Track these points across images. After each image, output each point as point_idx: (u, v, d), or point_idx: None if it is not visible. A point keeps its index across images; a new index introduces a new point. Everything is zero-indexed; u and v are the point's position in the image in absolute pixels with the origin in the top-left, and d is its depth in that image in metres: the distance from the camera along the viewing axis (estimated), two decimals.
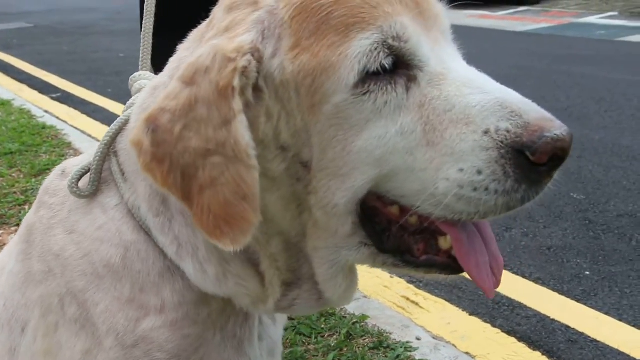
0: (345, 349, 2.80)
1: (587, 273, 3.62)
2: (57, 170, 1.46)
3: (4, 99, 7.24)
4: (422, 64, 1.14)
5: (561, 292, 3.44)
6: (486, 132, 1.08)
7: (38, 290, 1.35)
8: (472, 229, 1.23)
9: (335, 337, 2.89)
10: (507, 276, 3.57)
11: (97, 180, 1.34)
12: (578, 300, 3.36)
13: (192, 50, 1.26)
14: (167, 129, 1.12)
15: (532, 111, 1.10)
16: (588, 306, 3.30)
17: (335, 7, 1.11)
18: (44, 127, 6.04)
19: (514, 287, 3.46)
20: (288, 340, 2.84)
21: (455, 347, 2.90)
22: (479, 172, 1.09)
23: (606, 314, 3.23)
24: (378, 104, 1.12)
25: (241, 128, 1.10)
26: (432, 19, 1.20)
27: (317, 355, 2.76)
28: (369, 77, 1.11)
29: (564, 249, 3.90)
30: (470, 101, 1.11)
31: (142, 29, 1.55)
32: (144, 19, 1.55)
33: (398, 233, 1.23)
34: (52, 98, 7.62)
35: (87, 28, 13.76)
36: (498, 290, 3.34)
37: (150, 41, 1.56)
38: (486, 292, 1.21)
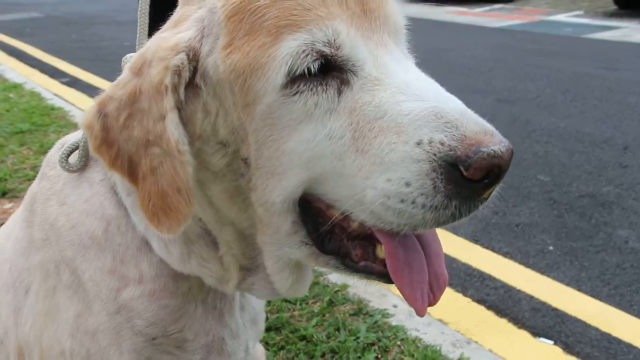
0: (327, 315, 2.79)
1: (551, 248, 3.63)
2: (58, 144, 1.44)
3: (16, 82, 7.16)
4: (357, 68, 1.03)
5: (527, 265, 3.44)
6: (419, 143, 0.96)
7: (38, 256, 1.34)
8: (413, 242, 1.13)
9: (318, 304, 2.88)
10: (478, 250, 3.59)
11: (85, 157, 1.32)
12: (542, 273, 3.36)
13: None
14: (114, 117, 1.09)
15: (471, 123, 0.97)
16: (551, 278, 3.31)
17: (269, 9, 1.02)
18: (52, 108, 5.98)
19: (484, 260, 3.47)
20: (274, 307, 2.83)
21: (429, 314, 2.89)
22: (407, 184, 0.97)
23: (567, 285, 3.24)
24: (308, 105, 1.02)
25: (171, 125, 1.05)
26: (379, 19, 1.08)
27: (302, 321, 2.75)
28: (300, 78, 1.01)
29: (530, 226, 3.90)
30: (404, 109, 0.98)
31: (139, 10, 1.50)
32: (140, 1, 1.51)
33: (338, 236, 1.14)
34: (61, 82, 7.53)
35: (94, 18, 13.58)
36: (470, 263, 3.39)
37: (147, 23, 1.51)
38: (416, 311, 1.10)
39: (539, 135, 5.52)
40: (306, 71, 1.00)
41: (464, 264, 3.40)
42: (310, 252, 1.17)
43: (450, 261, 3.40)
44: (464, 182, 0.95)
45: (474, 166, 0.93)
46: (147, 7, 1.48)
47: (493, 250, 3.60)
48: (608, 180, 4.56)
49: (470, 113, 1.00)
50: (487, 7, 14.54)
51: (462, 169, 0.94)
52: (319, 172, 1.05)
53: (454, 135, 0.95)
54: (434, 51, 9.01)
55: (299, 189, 1.08)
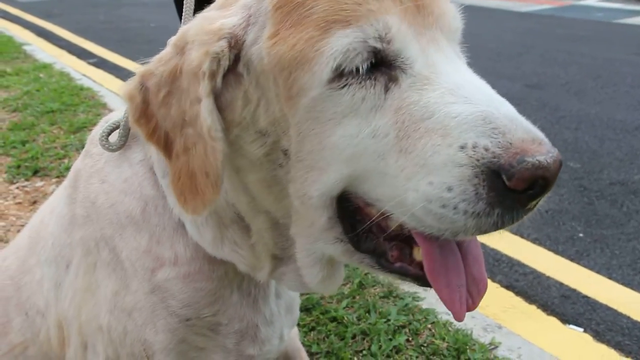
0: (357, 297, 2.79)
1: (581, 235, 3.59)
2: (102, 121, 1.45)
3: (46, 62, 7.23)
4: (406, 65, 1.00)
5: (556, 252, 3.41)
6: (462, 147, 0.92)
7: (79, 232, 1.36)
8: (451, 245, 1.10)
9: (348, 286, 2.87)
10: (506, 236, 3.52)
11: (125, 136, 1.32)
12: (572, 260, 3.33)
13: None
14: (153, 92, 1.09)
15: (519, 130, 0.93)
16: (581, 265, 3.28)
17: (318, 2, 0.99)
18: (81, 88, 6.03)
19: (513, 246, 3.44)
20: None
21: None
22: (449, 189, 0.93)
23: (597, 272, 3.21)
24: (355, 99, 0.99)
25: (204, 111, 1.04)
26: (432, 16, 1.04)
27: (332, 302, 2.75)
28: (348, 73, 0.98)
29: (560, 213, 3.86)
30: (451, 111, 0.94)
31: None
32: None
33: (375, 236, 1.12)
34: (89, 63, 7.59)
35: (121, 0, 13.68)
36: (499, 249, 3.36)
37: (192, 6, 1.49)
38: (455, 315, 1.07)
39: (569, 122, 5.45)
40: (354, 69, 0.98)
41: (493, 250, 3.38)
42: (345, 250, 1.14)
43: None
44: (507, 191, 0.91)
45: (516, 176, 0.89)
46: None
47: (522, 236, 3.57)
48: None
49: (521, 120, 0.96)
50: None
51: (504, 178, 0.90)
52: (361, 169, 1.02)
53: (499, 142, 0.91)
54: (461, 35, 8.88)
55: (338, 185, 1.05)
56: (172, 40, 1.12)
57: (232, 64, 1.07)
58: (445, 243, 1.07)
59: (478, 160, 0.91)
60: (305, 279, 1.24)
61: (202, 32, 1.06)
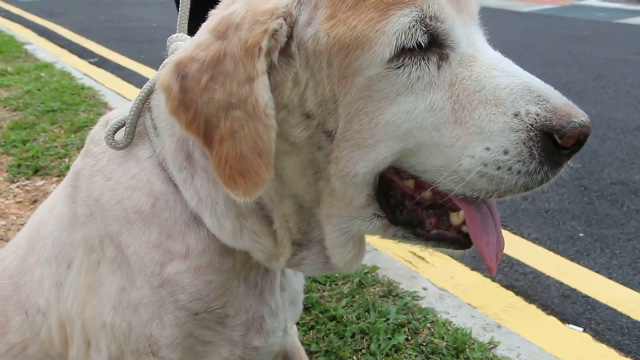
0: (357, 296, 2.80)
1: (581, 235, 3.60)
2: (102, 120, 1.45)
3: (47, 61, 7.24)
4: (455, 44, 1.09)
5: (556, 251, 3.42)
6: (516, 115, 1.04)
7: (82, 231, 1.36)
8: (485, 209, 1.20)
9: (348, 285, 2.88)
10: (506, 235, 3.51)
11: (132, 134, 1.32)
12: (572, 259, 3.33)
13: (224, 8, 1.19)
14: (195, 78, 1.08)
15: (557, 97, 1.07)
16: (581, 265, 3.28)
17: None
18: (82, 88, 6.03)
19: (512, 245, 3.44)
20: (304, 287, 2.83)
21: (457, 297, 2.88)
22: (505, 152, 1.05)
23: (597, 272, 3.21)
24: (411, 78, 1.06)
25: (262, 88, 1.05)
26: (463, 2, 1.13)
27: (331, 301, 2.76)
28: (404, 52, 1.05)
29: (560, 212, 3.86)
30: (500, 83, 1.06)
31: None
32: None
33: (412, 207, 1.20)
34: (90, 62, 7.60)
35: None
36: None
37: (189, 5, 1.51)
38: (491, 269, 1.19)
39: None
40: (415, 45, 1.05)
41: None
42: (382, 224, 1.21)
43: None
44: (556, 149, 1.05)
45: (567, 135, 1.03)
46: None
47: (522, 235, 3.58)
48: None
49: (552, 88, 1.08)
50: None
51: (556, 137, 1.03)
52: (414, 143, 1.09)
53: (547, 107, 1.04)
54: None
55: (387, 161, 1.11)
56: (209, 26, 1.12)
57: (284, 44, 1.09)
58: (481, 207, 1.19)
59: (532, 124, 1.04)
60: (333, 259, 1.28)
61: (255, 13, 1.07)
